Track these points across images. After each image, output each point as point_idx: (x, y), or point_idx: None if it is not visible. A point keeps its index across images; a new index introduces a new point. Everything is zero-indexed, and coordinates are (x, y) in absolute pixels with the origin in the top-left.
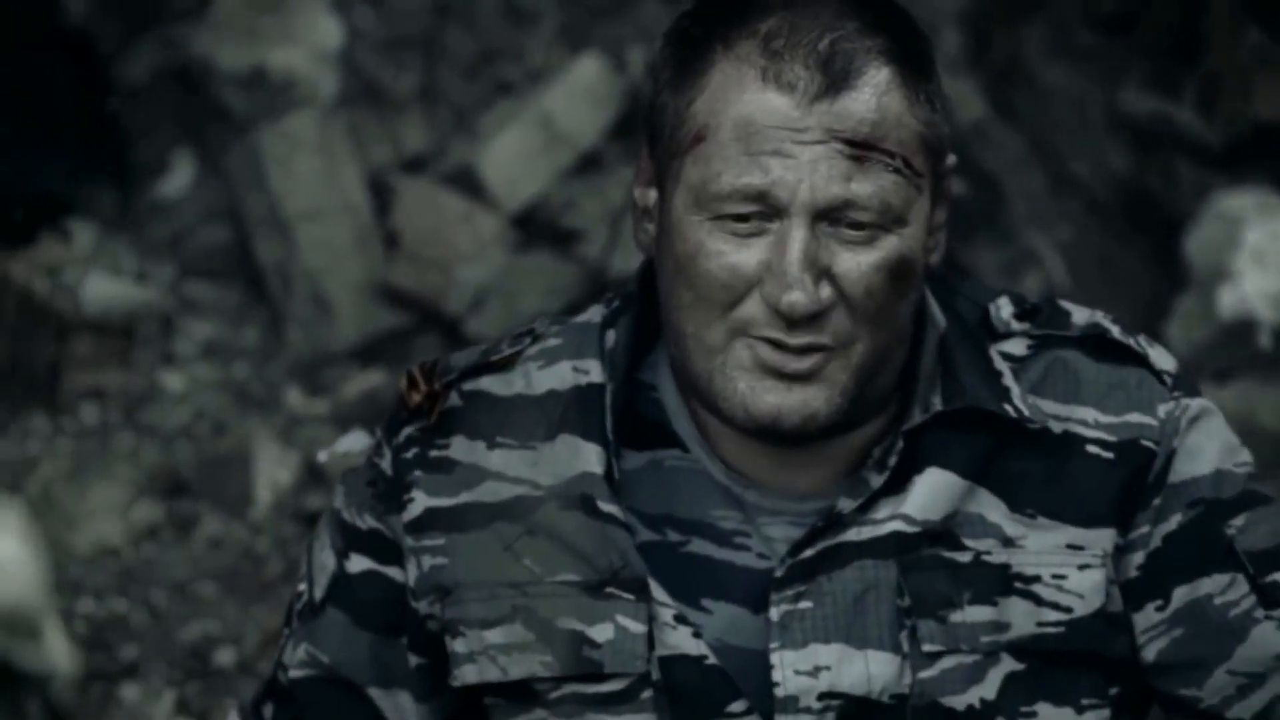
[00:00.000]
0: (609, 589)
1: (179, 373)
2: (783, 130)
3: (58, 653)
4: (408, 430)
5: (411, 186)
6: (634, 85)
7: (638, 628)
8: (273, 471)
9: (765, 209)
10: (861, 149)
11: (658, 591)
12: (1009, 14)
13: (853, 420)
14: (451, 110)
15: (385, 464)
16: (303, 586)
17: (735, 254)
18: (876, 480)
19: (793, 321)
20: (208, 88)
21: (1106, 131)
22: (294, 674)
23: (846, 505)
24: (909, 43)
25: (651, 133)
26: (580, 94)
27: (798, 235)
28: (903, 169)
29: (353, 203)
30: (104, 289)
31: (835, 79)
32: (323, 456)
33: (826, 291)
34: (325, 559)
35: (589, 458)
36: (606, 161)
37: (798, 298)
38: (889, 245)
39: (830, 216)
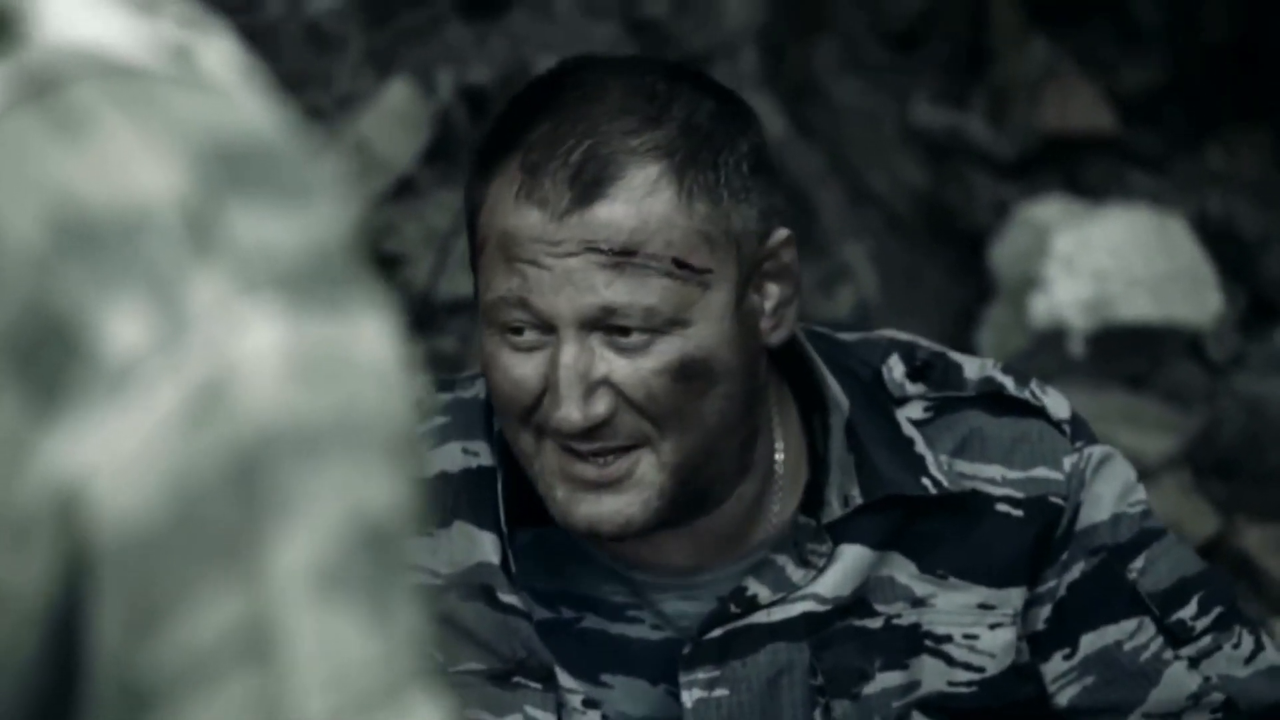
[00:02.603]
0: (515, 679)
1: None
2: (538, 243)
3: None
4: None
5: None
6: (444, 108)
7: (547, 717)
8: None
9: (534, 320)
10: (620, 256)
11: (564, 678)
12: (800, 31)
13: (696, 509)
14: None
15: None
16: None
17: (518, 368)
18: (796, 574)
19: (571, 436)
20: None
21: (901, 146)
22: None
23: (763, 594)
24: (699, 129)
25: None
26: (392, 119)
27: (566, 350)
28: (674, 270)
29: None
30: None
31: (586, 190)
32: None
33: (603, 402)
34: None
35: (485, 547)
36: (422, 185)
37: (567, 413)
38: (668, 348)
39: (598, 325)
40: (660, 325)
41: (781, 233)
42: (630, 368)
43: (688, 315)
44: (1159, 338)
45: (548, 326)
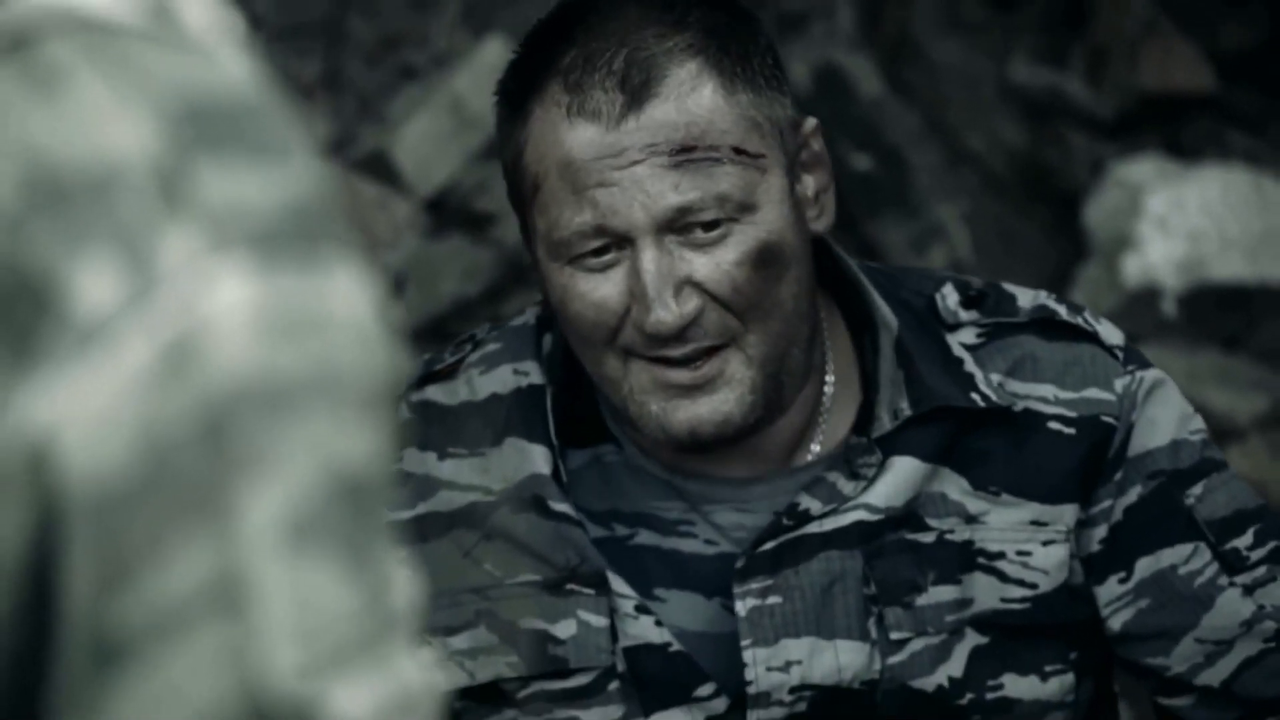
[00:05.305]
0: (569, 586)
1: None
2: (600, 160)
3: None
4: None
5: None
6: None
7: (600, 621)
8: None
9: (611, 240)
10: (681, 154)
11: (617, 584)
12: None
13: (774, 411)
14: (357, 97)
15: None
16: None
17: (598, 290)
18: (847, 486)
19: (665, 339)
20: None
21: (999, 105)
22: None
23: (815, 507)
24: (721, 28)
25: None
26: (487, 77)
27: (646, 256)
28: (734, 157)
29: None
30: None
31: (635, 93)
32: None
33: (692, 302)
34: None
35: (536, 459)
36: None
37: (661, 316)
38: (744, 236)
39: (674, 227)
40: (732, 212)
41: (811, 121)
42: (711, 263)
43: (754, 199)
44: (1252, 298)
45: (623, 241)
